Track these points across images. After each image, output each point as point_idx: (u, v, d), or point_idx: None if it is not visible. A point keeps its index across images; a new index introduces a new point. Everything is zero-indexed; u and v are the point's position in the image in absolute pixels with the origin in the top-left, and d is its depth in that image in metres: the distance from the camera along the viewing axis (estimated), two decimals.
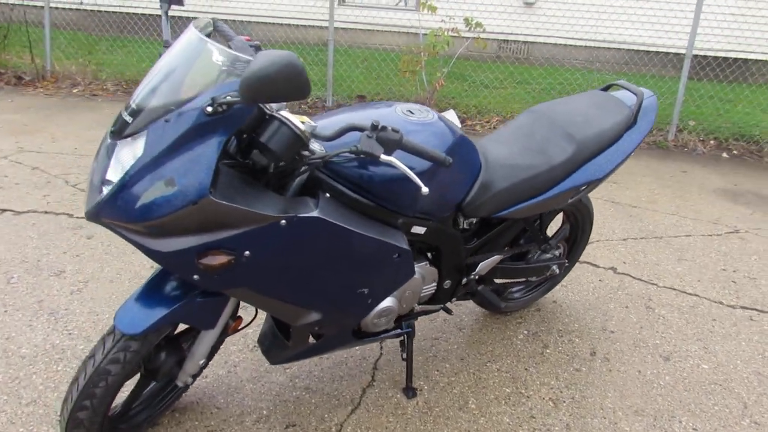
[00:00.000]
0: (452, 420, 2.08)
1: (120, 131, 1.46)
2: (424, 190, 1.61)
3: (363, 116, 1.79)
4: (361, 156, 1.56)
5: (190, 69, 1.47)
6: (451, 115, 6.25)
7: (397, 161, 1.59)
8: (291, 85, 1.29)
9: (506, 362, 2.40)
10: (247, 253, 1.52)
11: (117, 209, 1.43)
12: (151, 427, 1.96)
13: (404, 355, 2.21)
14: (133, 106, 1.46)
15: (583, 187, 2.24)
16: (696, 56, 5.57)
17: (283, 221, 1.52)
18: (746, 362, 2.48)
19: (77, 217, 3.42)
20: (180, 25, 7.45)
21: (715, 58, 6.36)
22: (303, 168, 1.60)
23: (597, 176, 2.24)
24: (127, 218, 1.42)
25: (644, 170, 4.85)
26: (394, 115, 1.83)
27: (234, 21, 7.85)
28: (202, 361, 1.83)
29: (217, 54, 1.45)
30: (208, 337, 1.78)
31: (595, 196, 4.11)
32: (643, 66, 7.19)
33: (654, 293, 2.97)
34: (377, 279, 1.81)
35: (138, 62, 6.92)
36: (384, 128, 1.56)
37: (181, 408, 2.07)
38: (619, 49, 7.20)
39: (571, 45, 7.32)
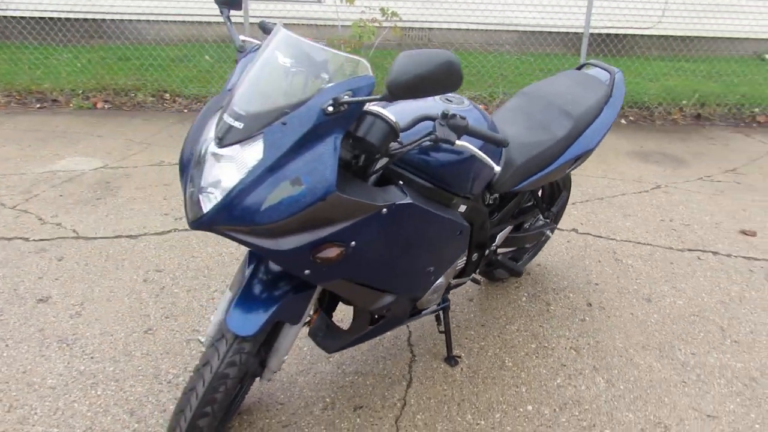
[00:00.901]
0: (498, 379, 2.28)
1: (226, 138, 1.48)
2: (497, 169, 1.77)
3: (415, 107, 1.90)
4: (437, 143, 1.68)
5: (296, 71, 1.51)
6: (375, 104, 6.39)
7: (470, 145, 1.74)
8: (449, 80, 1.39)
9: (521, 322, 2.64)
10: (353, 243, 1.60)
11: (237, 214, 1.45)
12: None
13: (440, 328, 2.36)
14: (240, 111, 1.48)
15: (579, 158, 2.50)
16: (592, 34, 6.13)
17: (384, 209, 1.61)
18: (710, 294, 2.90)
19: (35, 240, 3.20)
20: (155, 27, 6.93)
21: (608, 35, 7.03)
22: (386, 159, 1.69)
23: (590, 147, 2.50)
24: (251, 221, 1.45)
25: None
26: (439, 103, 1.96)
27: (119, 20, 7.44)
28: (285, 357, 1.88)
29: (326, 55, 1.50)
30: (292, 332, 1.83)
31: None
32: (546, 45, 7.75)
33: (616, 247, 3.34)
34: (443, 256, 1.95)
35: (30, 69, 6.38)
36: (453, 116, 1.70)
37: (245, 410, 2.09)
38: (516, 30, 7.71)
39: (472, 29, 7.72)
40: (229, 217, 1.47)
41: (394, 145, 1.66)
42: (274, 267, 1.75)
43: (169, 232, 3.35)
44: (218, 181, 1.48)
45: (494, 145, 1.82)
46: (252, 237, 1.49)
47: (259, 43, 1.80)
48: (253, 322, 1.60)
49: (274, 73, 1.54)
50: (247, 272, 1.73)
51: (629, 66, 7.04)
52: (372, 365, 2.33)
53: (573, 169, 2.58)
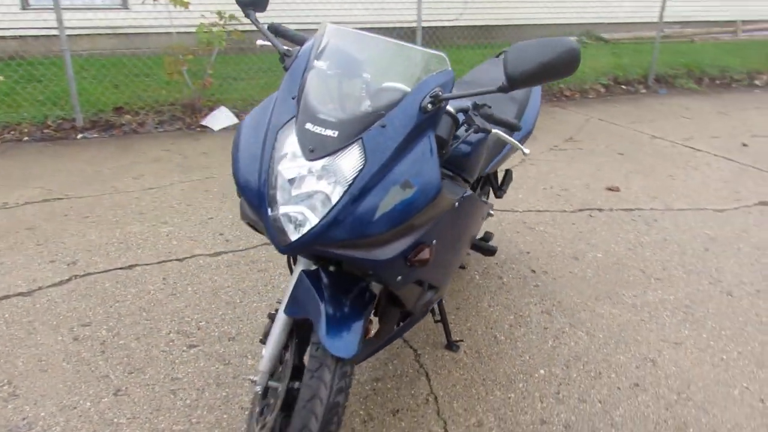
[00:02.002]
0: (501, 353, 2.40)
1: (319, 149, 1.36)
2: (526, 151, 1.87)
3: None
4: (477, 132, 1.72)
5: (375, 70, 1.43)
6: (224, 113, 6.17)
7: (502, 132, 1.81)
8: (570, 66, 1.41)
9: (488, 299, 2.78)
10: (434, 241, 1.58)
11: (348, 227, 1.35)
12: None
13: (436, 318, 2.41)
14: (330, 119, 1.37)
15: (524, 140, 2.71)
16: (425, 28, 6.51)
17: (456, 203, 1.61)
18: (617, 244, 3.34)
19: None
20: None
21: (452, 27, 7.51)
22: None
23: (530, 129, 2.72)
24: (364, 233, 1.35)
25: None
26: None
27: None
28: None
29: (401, 50, 1.44)
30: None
31: None
32: None
33: (523, 217, 3.66)
34: (470, 242, 2.00)
35: None
36: (483, 105, 1.75)
37: None
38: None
39: (302, 29, 7.68)
40: (339, 232, 1.36)
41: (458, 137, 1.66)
42: (336, 283, 1.64)
43: (68, 280, 2.89)
44: (318, 195, 1.36)
45: (510, 129, 1.91)
46: (355, 251, 1.40)
47: (294, 47, 1.66)
48: (351, 342, 1.50)
49: (352, 74, 1.44)
50: (313, 294, 1.59)
51: (457, 54, 7.59)
52: (382, 369, 2.29)
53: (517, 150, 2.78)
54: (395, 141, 1.38)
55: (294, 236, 1.37)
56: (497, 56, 3.01)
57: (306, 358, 1.71)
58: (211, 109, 5.75)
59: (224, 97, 5.96)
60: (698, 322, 2.61)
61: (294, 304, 1.61)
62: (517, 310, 2.69)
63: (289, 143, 1.42)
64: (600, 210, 3.77)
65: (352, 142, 1.37)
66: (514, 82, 1.40)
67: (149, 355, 2.36)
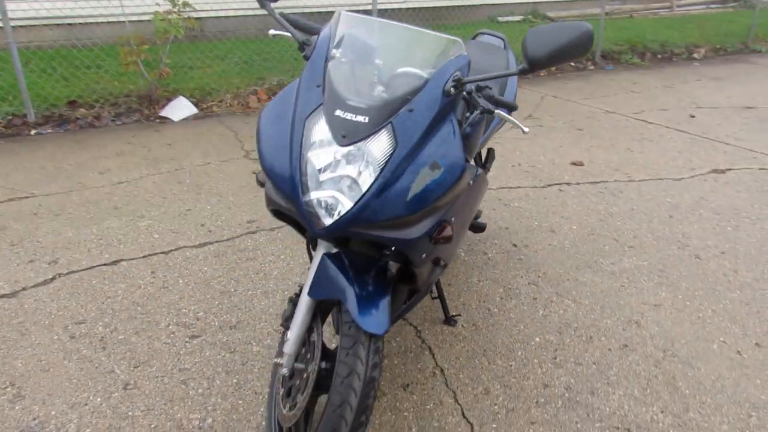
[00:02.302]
0: (496, 325, 2.51)
1: (352, 134, 1.40)
2: (526, 129, 1.95)
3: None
4: (483, 114, 1.80)
5: (397, 56, 1.47)
6: (182, 102, 6.09)
7: (504, 113, 1.89)
8: (584, 48, 1.48)
9: (477, 274, 2.89)
10: (453, 219, 1.65)
11: (382, 209, 1.40)
12: None
13: (434, 295, 2.50)
14: (360, 105, 1.41)
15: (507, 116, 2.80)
16: (380, 10, 6.53)
17: (471, 181, 1.69)
18: (588, 216, 3.50)
19: None
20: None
21: (400, 9, 7.50)
22: None
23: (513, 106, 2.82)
24: (397, 214, 1.41)
25: None
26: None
27: None
28: None
29: (419, 36, 1.49)
30: None
31: None
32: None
33: (497, 194, 3.79)
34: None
35: None
36: (486, 87, 1.83)
37: None
38: (303, 12, 7.78)
39: (242, 15, 7.57)
40: (373, 214, 1.41)
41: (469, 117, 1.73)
42: (358, 264, 1.69)
43: (53, 279, 2.83)
44: (352, 179, 1.40)
45: (508, 109, 2.00)
46: (386, 231, 1.46)
47: (312, 36, 1.68)
48: (382, 318, 1.56)
49: (373, 60, 1.49)
50: (339, 275, 1.63)
51: None
52: (387, 347, 2.37)
53: (502, 127, 2.87)
54: (423, 124, 1.44)
55: (329, 220, 1.42)
56: (473, 38, 3.09)
57: (324, 339, 1.76)
58: (169, 100, 5.63)
59: (181, 86, 5.84)
60: (673, 285, 2.79)
61: (318, 286, 1.65)
62: (506, 283, 2.81)
63: (319, 130, 1.46)
64: (568, 184, 3.93)
65: (383, 127, 1.42)
66: (535, 64, 1.47)
67: (152, 348, 2.35)
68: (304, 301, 1.69)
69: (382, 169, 1.41)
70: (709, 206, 3.63)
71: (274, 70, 6.36)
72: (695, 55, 8.36)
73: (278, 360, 1.73)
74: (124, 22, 5.47)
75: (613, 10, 10.17)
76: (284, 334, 1.94)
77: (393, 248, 1.77)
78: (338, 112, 1.44)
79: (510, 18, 9.47)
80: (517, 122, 1.93)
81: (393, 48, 1.53)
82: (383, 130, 1.42)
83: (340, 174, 1.42)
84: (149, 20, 5.36)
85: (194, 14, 5.49)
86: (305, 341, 1.75)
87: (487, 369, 2.24)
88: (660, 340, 2.41)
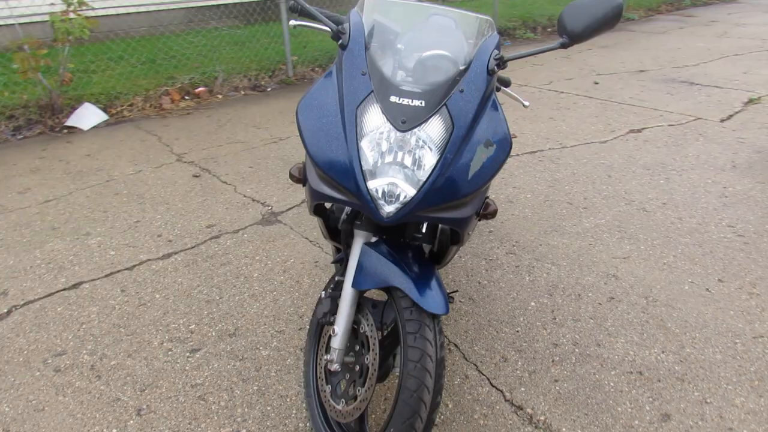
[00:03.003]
0: (490, 296, 2.60)
1: (411, 119, 1.40)
2: (526, 104, 2.04)
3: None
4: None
5: (446, 37, 1.48)
6: (90, 109, 5.78)
7: (507, 90, 1.96)
8: (615, 20, 1.53)
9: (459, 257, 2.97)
10: (488, 195, 1.70)
11: (446, 190, 1.42)
12: None
13: None
14: (415, 89, 1.41)
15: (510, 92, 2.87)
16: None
17: None
18: (539, 184, 3.69)
19: None
20: None
21: None
22: None
23: (509, 82, 2.90)
24: (460, 194, 1.43)
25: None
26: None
27: None
28: None
29: (454, 15, 1.50)
30: None
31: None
32: (211, 20, 7.61)
33: None
34: None
35: None
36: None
37: None
38: (182, 8, 7.42)
39: (134, 12, 7.14)
40: (436, 197, 1.42)
41: None
42: (399, 249, 1.70)
43: (9, 313, 2.58)
44: (415, 164, 1.41)
45: (505, 85, 2.07)
46: (445, 212, 1.48)
47: (340, 26, 1.63)
48: (441, 298, 1.57)
49: (413, 43, 1.49)
50: (388, 263, 1.63)
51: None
52: None
53: None
54: (474, 104, 1.47)
55: (393, 207, 1.41)
56: None
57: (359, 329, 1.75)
58: (74, 108, 5.22)
59: (85, 92, 5.43)
60: (633, 237, 3.03)
61: (364, 276, 1.64)
62: (486, 255, 2.91)
63: (375, 118, 1.44)
64: (509, 156, 4.10)
65: (439, 110, 1.43)
66: (575, 37, 1.53)
67: (153, 368, 2.22)
68: (348, 293, 1.68)
69: (442, 152, 1.43)
70: (638, 163, 3.95)
71: (182, 68, 6.06)
72: None
73: (328, 357, 1.71)
74: (13, 25, 4.98)
75: None
76: (317, 330, 1.91)
77: (424, 231, 1.79)
78: (393, 98, 1.44)
79: None
80: (518, 97, 2.01)
81: (427, 29, 1.54)
82: (440, 113, 1.44)
83: (403, 159, 1.42)
84: (42, 21, 4.92)
85: (91, 13, 5.11)
86: (357, 333, 1.73)
87: (498, 338, 2.33)
88: (639, 288, 2.61)
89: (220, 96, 5.82)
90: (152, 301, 2.62)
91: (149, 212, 3.42)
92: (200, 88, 5.81)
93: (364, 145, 1.44)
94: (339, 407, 1.72)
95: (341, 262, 1.89)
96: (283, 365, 2.22)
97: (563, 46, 1.57)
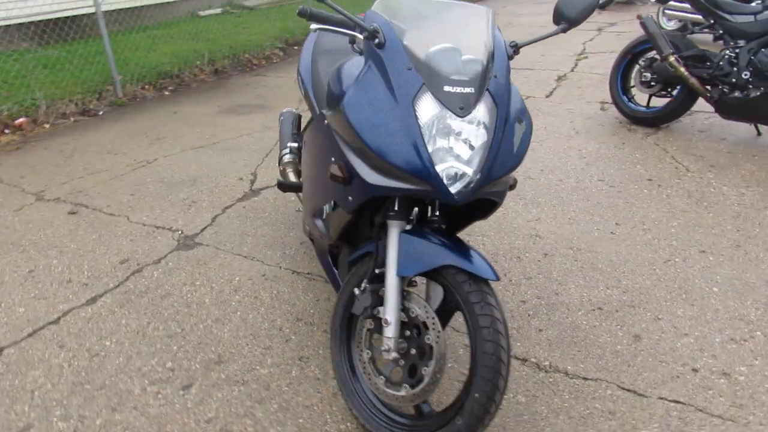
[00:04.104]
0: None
1: (466, 106, 1.51)
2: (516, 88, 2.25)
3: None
4: None
5: (464, 29, 1.60)
6: None
7: None
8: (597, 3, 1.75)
9: None
10: None
11: (499, 167, 1.58)
12: None
13: None
14: (463, 78, 1.52)
15: None
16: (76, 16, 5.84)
17: None
18: None
19: None
20: None
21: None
22: None
23: None
24: (509, 169, 1.60)
25: (149, 127, 5.24)
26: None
27: None
28: None
29: (464, 8, 1.64)
30: None
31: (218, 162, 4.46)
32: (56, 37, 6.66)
33: None
34: None
35: None
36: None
37: None
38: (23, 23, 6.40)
39: None
40: (496, 172, 1.57)
41: None
42: (433, 231, 1.80)
43: None
44: (475, 146, 1.53)
45: None
46: (495, 187, 1.63)
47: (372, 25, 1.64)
48: (487, 265, 1.70)
49: (442, 34, 1.60)
50: (432, 245, 1.71)
51: (119, 43, 6.89)
52: None
53: None
54: (505, 87, 1.63)
55: (457, 187, 1.53)
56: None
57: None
58: None
59: None
60: (535, 202, 3.44)
61: (409, 262, 1.72)
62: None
63: (432, 108, 1.53)
64: None
65: (484, 94, 1.57)
66: (573, 21, 1.76)
67: (151, 416, 2.04)
68: (394, 282, 1.74)
69: (494, 132, 1.57)
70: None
71: (5, 99, 5.27)
72: None
73: (383, 347, 1.75)
74: None
75: None
76: (344, 328, 1.94)
77: (438, 212, 1.91)
78: (447, 88, 1.53)
79: (210, 11, 9.34)
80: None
81: (446, 22, 1.65)
82: (486, 97, 1.57)
83: (464, 142, 1.53)
84: None
85: None
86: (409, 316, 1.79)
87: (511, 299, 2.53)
88: (562, 242, 3.00)
89: (47, 125, 5.20)
90: (105, 349, 2.36)
91: (40, 259, 3.02)
92: (21, 119, 5.13)
93: (427, 133, 1.53)
94: (402, 393, 1.77)
95: (360, 260, 1.93)
96: (291, 377, 2.18)
97: (564, 30, 1.81)
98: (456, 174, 1.54)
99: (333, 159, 1.75)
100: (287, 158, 2.88)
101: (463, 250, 1.73)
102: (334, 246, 2.18)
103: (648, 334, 2.32)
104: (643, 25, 4.14)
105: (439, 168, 1.53)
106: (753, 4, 4.01)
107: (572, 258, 2.85)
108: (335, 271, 2.20)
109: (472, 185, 1.56)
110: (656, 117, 4.41)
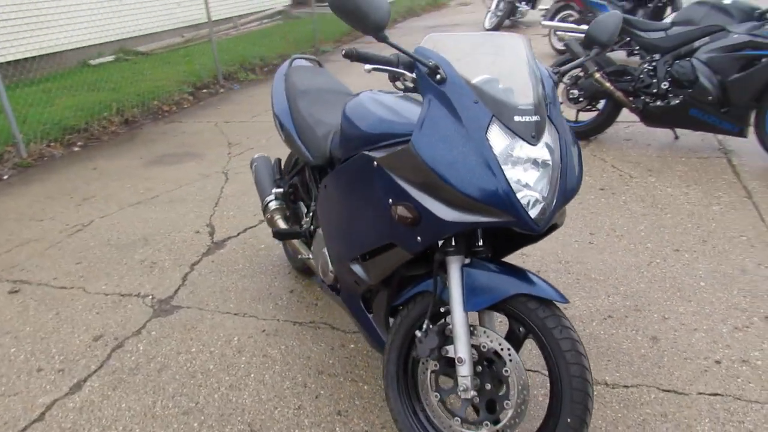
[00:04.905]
0: None
1: (538, 134, 1.53)
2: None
3: None
4: None
5: (510, 59, 1.62)
6: None
7: None
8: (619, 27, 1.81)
9: None
10: None
11: (569, 191, 1.60)
12: None
13: None
14: (528, 107, 1.53)
15: None
16: None
17: None
18: None
19: None
20: None
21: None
22: None
23: None
24: (575, 189, 1.63)
25: (70, 187, 4.84)
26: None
27: None
28: None
29: (504, 38, 1.67)
30: None
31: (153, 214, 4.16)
32: None
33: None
34: None
35: None
36: None
37: None
38: None
39: None
40: (567, 197, 1.60)
41: None
42: (486, 260, 1.79)
43: None
44: (548, 172, 1.55)
45: None
46: (560, 211, 1.66)
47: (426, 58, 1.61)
48: (552, 288, 1.70)
49: (502, 67, 1.60)
50: (496, 277, 1.70)
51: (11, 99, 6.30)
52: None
53: None
54: (559, 112, 1.66)
55: (537, 213, 1.53)
56: (290, 63, 3.08)
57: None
58: None
59: None
60: None
61: (475, 297, 1.70)
62: None
63: (505, 138, 1.52)
64: None
65: (547, 121, 1.59)
66: (605, 45, 1.83)
67: None
68: (461, 319, 1.71)
69: (561, 157, 1.59)
70: None
71: None
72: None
73: (462, 387, 1.70)
74: None
75: (192, 37, 10.51)
76: (402, 374, 1.87)
77: (482, 241, 1.90)
78: (517, 118, 1.53)
79: (102, 60, 8.84)
80: None
81: (491, 53, 1.65)
82: (548, 124, 1.59)
83: (535, 170, 1.54)
84: None
85: None
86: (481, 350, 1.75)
87: None
88: (550, 257, 3.09)
89: None
90: None
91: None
92: None
93: (504, 163, 1.52)
94: (491, 430, 1.73)
95: (409, 301, 1.88)
96: None
97: (597, 54, 1.88)
98: (530, 201, 1.54)
99: (391, 201, 1.69)
100: (274, 205, 2.76)
101: (526, 276, 1.72)
102: (366, 291, 2.10)
103: (663, 334, 2.42)
104: (567, 46, 4.41)
105: (521, 195, 1.53)
106: (664, 21, 4.42)
107: (565, 271, 2.93)
108: (369, 316, 2.11)
109: (549, 210, 1.57)
110: (587, 130, 4.70)
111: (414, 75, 1.66)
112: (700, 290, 2.70)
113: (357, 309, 2.12)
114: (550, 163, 1.56)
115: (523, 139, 1.53)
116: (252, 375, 2.38)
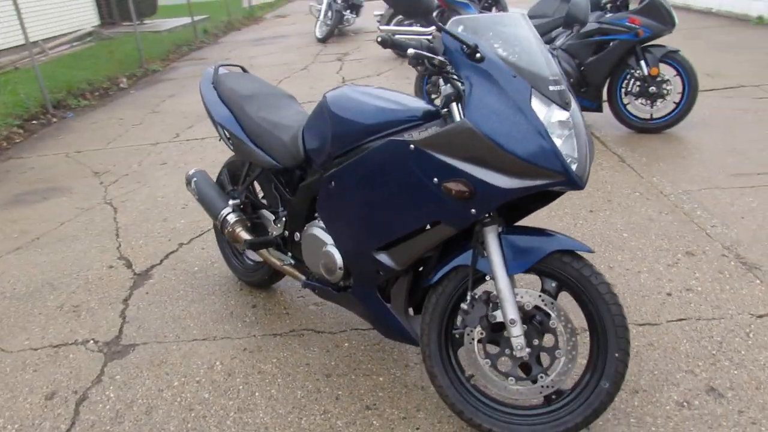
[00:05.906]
0: None
1: (569, 100, 1.69)
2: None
3: None
4: None
5: (523, 34, 1.75)
6: None
7: None
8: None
9: None
10: None
11: (591, 152, 1.78)
12: None
13: None
14: (556, 77, 1.68)
15: None
16: None
17: None
18: None
19: None
20: None
21: None
22: None
23: None
24: (593, 152, 1.81)
25: None
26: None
27: None
28: None
29: (517, 15, 1.80)
30: None
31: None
32: None
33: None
34: None
35: None
36: None
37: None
38: None
39: None
40: (591, 157, 1.78)
41: None
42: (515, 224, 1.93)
43: None
44: (580, 134, 1.71)
45: None
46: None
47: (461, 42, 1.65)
48: (576, 241, 1.89)
49: (520, 42, 1.73)
50: (532, 239, 1.84)
51: None
52: None
53: None
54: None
55: (581, 172, 1.69)
56: (215, 70, 2.92)
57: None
58: None
59: None
60: None
61: (516, 260, 1.83)
62: None
63: (545, 106, 1.65)
64: None
65: (568, 89, 1.76)
66: (584, 21, 2.05)
67: None
68: (506, 282, 1.83)
69: (583, 120, 1.78)
70: None
71: None
72: (122, 85, 8.81)
73: (518, 347, 1.82)
74: None
75: (3, 64, 9.30)
76: (444, 348, 1.95)
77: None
78: (552, 87, 1.66)
79: None
80: None
81: (506, 30, 1.76)
82: (569, 92, 1.76)
83: (571, 133, 1.70)
84: None
85: None
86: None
87: None
88: None
89: None
90: None
91: None
92: None
93: (554, 127, 1.66)
94: (540, 384, 1.86)
95: (442, 280, 1.94)
96: (375, 427, 2.05)
97: (578, 30, 2.08)
98: (571, 161, 1.70)
99: (436, 180, 1.74)
100: (233, 218, 2.64)
101: (553, 235, 1.89)
102: (384, 281, 2.11)
103: (615, 280, 2.75)
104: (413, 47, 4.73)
105: (571, 153, 1.68)
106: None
107: None
108: (387, 306, 2.12)
109: (586, 170, 1.73)
110: None
111: (442, 57, 1.74)
112: (625, 240, 3.09)
113: (373, 300, 2.12)
114: (579, 126, 1.74)
115: (560, 106, 1.69)
116: (257, 393, 2.26)
